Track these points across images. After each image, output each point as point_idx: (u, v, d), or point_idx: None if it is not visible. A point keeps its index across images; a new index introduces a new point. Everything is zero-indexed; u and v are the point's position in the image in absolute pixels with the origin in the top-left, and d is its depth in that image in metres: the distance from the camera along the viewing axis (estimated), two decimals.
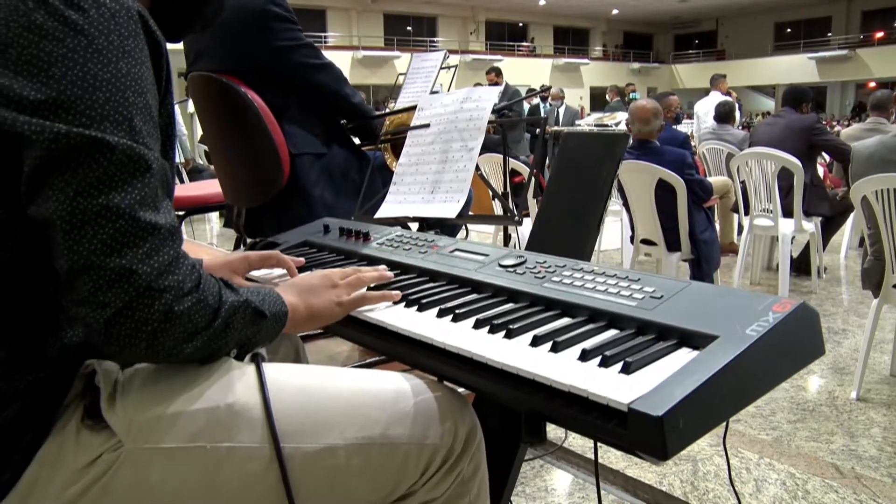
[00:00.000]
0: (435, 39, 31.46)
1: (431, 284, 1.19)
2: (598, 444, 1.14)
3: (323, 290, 1.07)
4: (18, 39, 0.76)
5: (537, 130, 8.52)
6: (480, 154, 1.56)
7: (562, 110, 10.01)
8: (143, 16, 0.85)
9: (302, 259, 1.37)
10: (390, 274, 1.19)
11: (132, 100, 0.80)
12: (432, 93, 2.74)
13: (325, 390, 0.94)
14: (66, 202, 0.75)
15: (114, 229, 0.76)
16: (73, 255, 0.75)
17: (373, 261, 1.34)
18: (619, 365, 0.79)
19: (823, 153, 5.18)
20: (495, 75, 8.74)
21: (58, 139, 0.74)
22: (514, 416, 1.23)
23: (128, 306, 0.76)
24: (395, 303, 1.11)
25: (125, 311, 0.76)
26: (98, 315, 0.76)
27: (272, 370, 0.94)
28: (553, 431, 2.38)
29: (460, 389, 1.02)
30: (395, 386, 0.98)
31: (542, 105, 10.02)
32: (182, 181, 6.77)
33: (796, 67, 31.78)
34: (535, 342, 0.89)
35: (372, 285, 1.15)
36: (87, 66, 0.77)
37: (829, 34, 33.45)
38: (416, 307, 1.08)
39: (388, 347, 1.04)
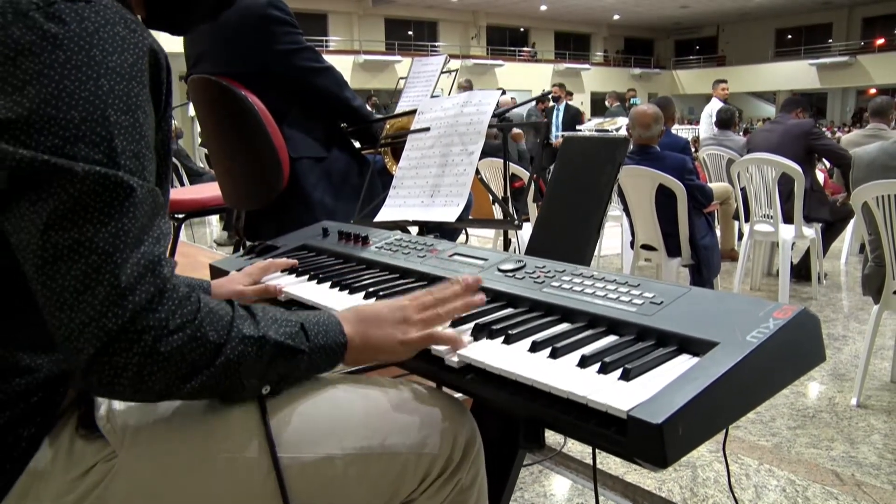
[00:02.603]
0: (436, 44, 31.48)
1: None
2: (598, 449, 1.13)
3: (390, 323, 0.94)
4: None
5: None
6: (481, 159, 1.56)
7: (561, 109, 9.77)
8: (149, 45, 0.81)
9: (294, 261, 1.37)
10: (481, 298, 1.02)
11: (114, 119, 0.75)
12: (433, 97, 2.73)
13: (323, 400, 0.93)
14: (37, 234, 0.71)
15: (86, 265, 0.70)
16: (47, 292, 0.71)
17: (371, 265, 1.34)
18: (619, 371, 0.79)
19: (823, 159, 5.18)
20: (560, 89, 8.75)
21: (20, 167, 0.70)
22: (513, 422, 1.22)
23: (103, 351, 0.71)
24: None
25: (101, 356, 0.71)
26: (75, 360, 0.72)
27: None
28: (552, 436, 2.37)
29: (458, 395, 1.02)
30: (393, 395, 0.97)
31: (556, 108, 9.85)
32: (182, 184, 6.77)
33: (797, 73, 31.81)
34: (534, 348, 0.88)
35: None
36: (63, 83, 0.73)
37: (830, 40, 33.48)
38: None
39: None
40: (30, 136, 0.71)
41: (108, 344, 0.70)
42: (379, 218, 1.64)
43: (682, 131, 13.39)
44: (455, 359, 0.90)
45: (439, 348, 0.93)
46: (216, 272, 1.45)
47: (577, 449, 2.32)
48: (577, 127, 9.49)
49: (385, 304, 0.97)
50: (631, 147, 3.99)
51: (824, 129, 5.41)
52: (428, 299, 0.98)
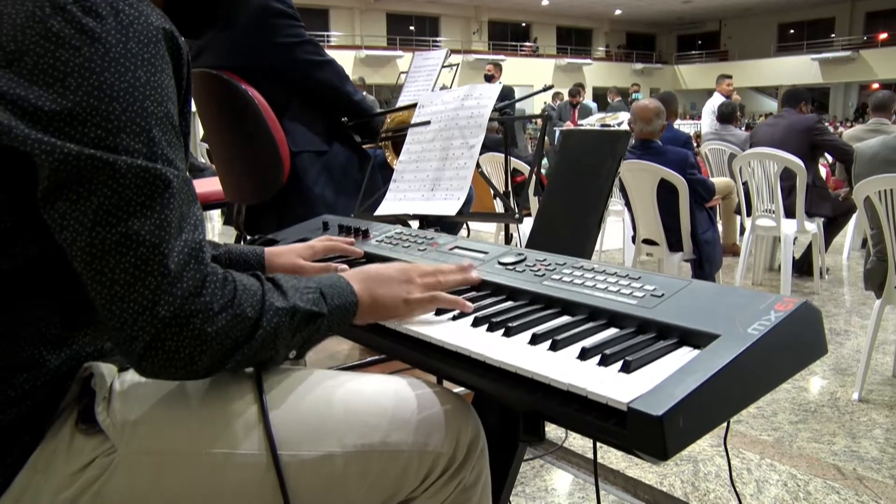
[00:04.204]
0: (437, 39, 31.46)
1: None
2: (599, 444, 1.12)
3: (395, 283, 1.00)
4: (34, 48, 0.74)
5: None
6: (482, 153, 1.55)
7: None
8: (166, 28, 0.82)
9: (360, 252, 1.36)
10: (476, 276, 1.10)
11: (151, 109, 0.77)
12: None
13: (323, 396, 0.93)
14: (85, 232, 0.73)
15: (135, 257, 0.73)
16: (97, 287, 0.73)
17: (372, 258, 1.34)
18: (619, 364, 0.78)
19: (826, 154, 5.17)
20: (494, 67, 8.60)
21: (67, 161, 0.72)
22: (513, 416, 1.22)
23: (157, 337, 0.74)
24: None
25: (154, 342, 0.74)
26: (129, 348, 0.74)
27: (270, 375, 0.93)
28: (553, 431, 2.37)
29: (459, 389, 1.01)
30: (396, 391, 0.96)
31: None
32: None
33: (799, 68, 31.74)
34: (534, 340, 0.88)
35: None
36: (104, 75, 0.74)
37: (833, 35, 33.39)
38: None
39: (388, 346, 1.03)
40: (74, 127, 0.73)
41: (161, 330, 0.74)
42: (379, 212, 1.64)
43: (683, 126, 13.37)
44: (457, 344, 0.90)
45: (439, 337, 0.93)
46: None
47: (579, 443, 2.32)
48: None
49: (389, 265, 1.03)
50: (632, 141, 3.99)
51: (826, 124, 5.42)
52: (428, 267, 1.05)
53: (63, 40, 0.74)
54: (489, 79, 9.71)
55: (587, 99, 10.96)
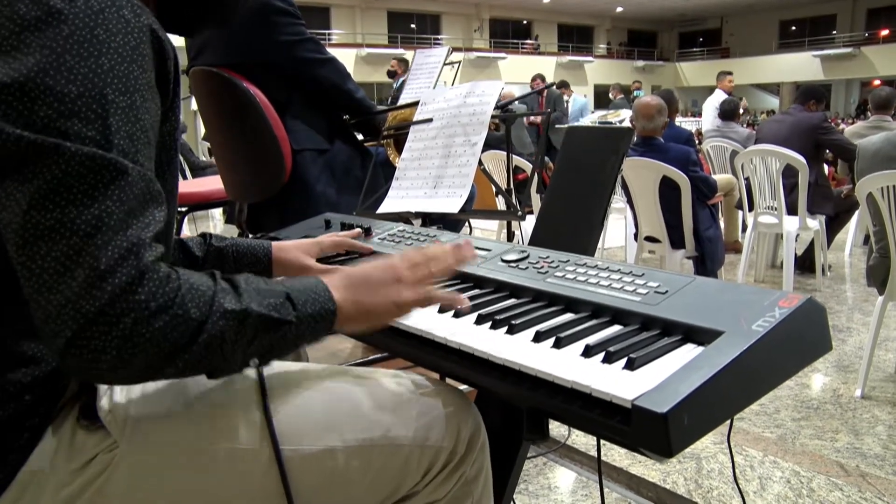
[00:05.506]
0: (439, 37, 31.42)
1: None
2: (602, 441, 1.12)
3: (383, 285, 0.90)
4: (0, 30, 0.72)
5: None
6: (484, 151, 1.55)
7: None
8: (146, 22, 0.80)
9: (369, 248, 1.34)
10: (473, 252, 1.01)
11: (111, 98, 0.73)
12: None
13: (325, 391, 0.93)
14: (20, 214, 0.68)
15: (67, 247, 0.68)
16: (27, 273, 0.69)
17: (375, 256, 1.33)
18: (623, 361, 0.78)
19: (827, 150, 5.16)
20: (398, 63, 8.47)
21: (5, 145, 0.69)
22: (517, 413, 1.22)
23: (79, 334, 0.68)
24: None
25: (77, 339, 0.68)
26: (52, 343, 0.69)
27: (271, 370, 0.93)
28: (556, 428, 2.37)
29: (462, 386, 1.01)
30: (397, 386, 0.96)
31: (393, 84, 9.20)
32: (185, 177, 6.77)
33: (801, 65, 31.69)
34: (538, 338, 0.88)
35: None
36: (64, 56, 0.71)
37: (834, 32, 33.33)
38: None
39: (390, 344, 1.03)
40: (24, 103, 0.70)
41: (84, 326, 0.68)
42: (382, 209, 1.64)
43: (685, 123, 13.36)
44: (459, 341, 0.90)
45: (441, 334, 0.92)
46: None
47: (582, 441, 2.32)
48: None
49: (374, 265, 0.93)
50: (634, 139, 3.98)
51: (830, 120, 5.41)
52: (419, 257, 0.95)
53: (28, 22, 0.72)
54: (392, 75, 9.47)
55: (577, 95, 10.91)
